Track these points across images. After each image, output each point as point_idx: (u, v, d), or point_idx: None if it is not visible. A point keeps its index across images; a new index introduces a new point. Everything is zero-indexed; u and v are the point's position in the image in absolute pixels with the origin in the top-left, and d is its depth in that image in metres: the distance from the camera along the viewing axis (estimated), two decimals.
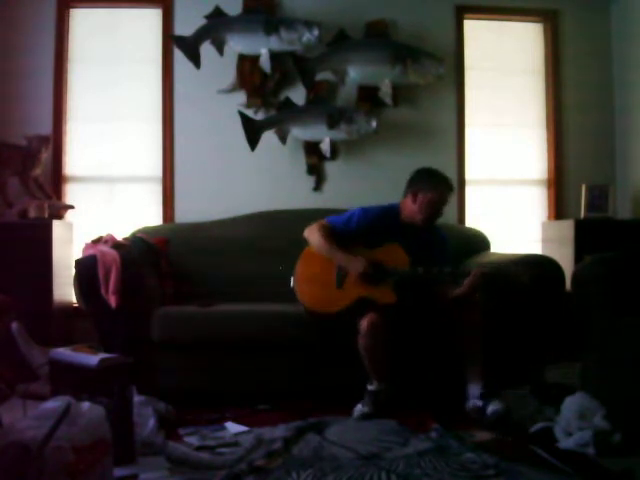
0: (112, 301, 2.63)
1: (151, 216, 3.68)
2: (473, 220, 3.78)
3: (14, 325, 2.74)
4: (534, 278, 2.43)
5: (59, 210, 3.48)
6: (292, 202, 3.61)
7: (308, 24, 3.51)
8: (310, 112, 3.61)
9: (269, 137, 3.60)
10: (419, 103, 3.79)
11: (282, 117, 3.61)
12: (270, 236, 3.38)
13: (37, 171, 3.36)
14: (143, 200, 3.72)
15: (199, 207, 3.61)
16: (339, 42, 3.60)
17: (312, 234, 2.68)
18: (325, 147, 3.61)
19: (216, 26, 3.55)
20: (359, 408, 2.49)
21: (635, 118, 3.74)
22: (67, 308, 3.38)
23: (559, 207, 3.87)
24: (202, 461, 1.97)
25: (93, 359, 1.95)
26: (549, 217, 3.89)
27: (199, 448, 2.12)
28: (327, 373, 2.72)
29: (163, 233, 3.35)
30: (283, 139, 3.61)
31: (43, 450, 1.42)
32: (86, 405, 1.63)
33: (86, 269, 2.71)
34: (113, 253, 2.75)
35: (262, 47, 3.54)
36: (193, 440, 2.21)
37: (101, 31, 3.71)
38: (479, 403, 2.45)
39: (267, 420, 2.43)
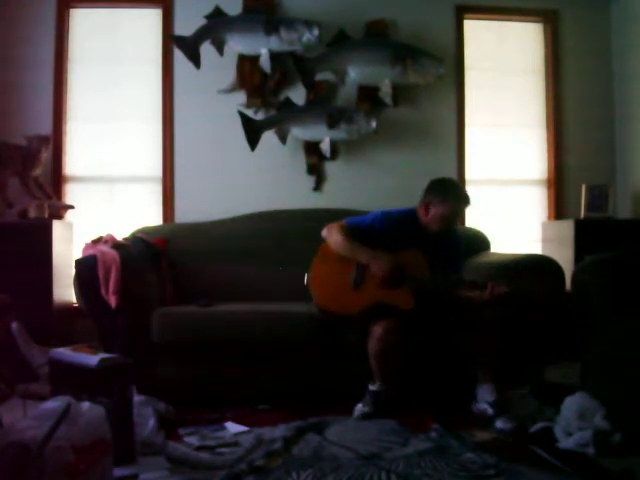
0: (112, 301, 2.63)
1: (151, 216, 3.68)
2: (473, 220, 3.78)
3: (14, 325, 2.74)
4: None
5: (59, 210, 3.48)
6: (292, 202, 3.61)
7: (308, 24, 3.51)
8: (310, 112, 3.61)
9: (269, 137, 3.60)
10: (419, 103, 3.79)
11: (282, 117, 3.61)
12: (270, 236, 3.38)
13: (37, 171, 3.36)
14: (143, 200, 3.72)
15: (199, 207, 3.62)
16: (339, 42, 3.61)
17: (332, 233, 2.64)
18: (325, 147, 3.61)
19: (216, 26, 3.55)
20: (359, 408, 2.48)
21: (635, 118, 3.74)
22: (67, 308, 3.37)
23: (559, 207, 3.87)
24: (202, 461, 1.97)
25: (93, 359, 1.95)
26: (549, 217, 3.89)
27: (199, 448, 2.12)
28: (327, 373, 2.71)
29: (163, 233, 3.35)
30: (283, 139, 3.61)
31: (43, 450, 1.42)
32: (86, 405, 1.63)
33: (86, 269, 2.71)
34: (113, 253, 2.75)
35: (262, 47, 3.54)
36: (193, 440, 2.21)
37: (101, 31, 3.71)
38: (489, 411, 2.42)
39: (267, 420, 2.43)
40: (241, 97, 3.67)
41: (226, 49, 3.58)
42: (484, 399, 2.46)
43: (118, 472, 1.78)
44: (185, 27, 3.58)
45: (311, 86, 3.65)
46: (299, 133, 3.62)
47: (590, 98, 3.91)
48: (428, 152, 3.75)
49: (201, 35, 3.55)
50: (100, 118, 3.69)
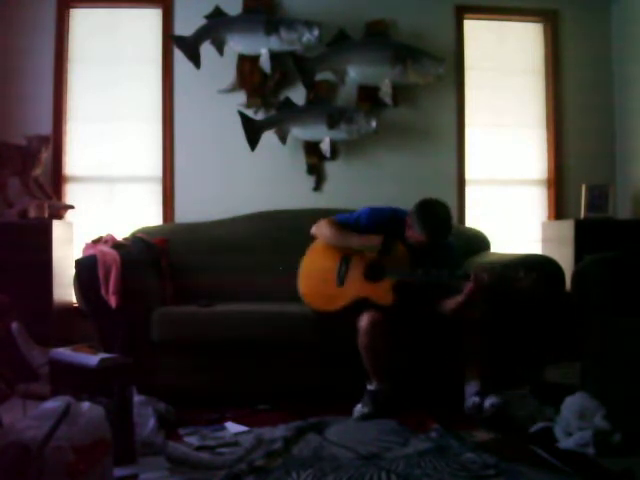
0: (112, 301, 2.63)
1: (151, 216, 3.68)
2: (473, 220, 3.78)
3: (14, 325, 2.74)
4: (534, 281, 2.43)
5: (59, 210, 3.48)
6: (292, 202, 3.61)
7: (308, 24, 3.51)
8: (310, 112, 3.61)
9: (269, 137, 3.60)
10: (419, 103, 3.79)
11: (282, 117, 3.61)
12: (270, 236, 3.38)
13: (37, 171, 3.36)
14: (143, 200, 3.72)
15: (199, 207, 3.61)
16: (339, 42, 3.60)
17: (321, 228, 2.72)
18: (325, 147, 3.61)
19: (216, 26, 3.55)
20: (359, 408, 2.49)
21: (635, 118, 3.74)
22: (67, 308, 3.37)
23: (559, 207, 3.87)
24: (202, 461, 1.97)
25: (93, 359, 1.95)
26: (549, 217, 3.89)
27: (199, 448, 2.12)
28: (327, 373, 2.72)
29: (163, 233, 3.35)
30: (283, 139, 3.61)
31: (43, 450, 1.42)
32: (86, 405, 1.63)
33: (86, 269, 2.71)
34: (113, 253, 2.75)
35: (262, 47, 3.54)
36: (193, 440, 2.21)
37: (101, 31, 3.70)
38: (477, 400, 2.45)
39: (267, 420, 2.43)
40: (241, 97, 3.67)
41: (226, 49, 3.58)
42: (471, 393, 2.50)
43: (118, 472, 1.78)
44: (185, 27, 3.58)
45: (311, 86, 3.65)
46: (299, 133, 3.62)
47: (590, 99, 3.90)
48: (428, 152, 3.75)
49: (201, 35, 3.55)
50: (100, 118, 3.69)
